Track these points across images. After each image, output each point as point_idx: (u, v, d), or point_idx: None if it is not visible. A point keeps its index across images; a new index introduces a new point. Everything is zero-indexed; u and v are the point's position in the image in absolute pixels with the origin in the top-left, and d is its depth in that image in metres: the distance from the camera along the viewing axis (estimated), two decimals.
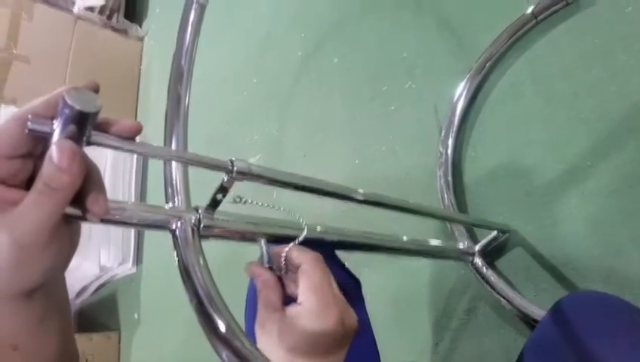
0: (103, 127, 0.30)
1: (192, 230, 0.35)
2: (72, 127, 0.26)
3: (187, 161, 0.31)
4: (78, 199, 0.31)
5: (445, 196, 0.74)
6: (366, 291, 0.76)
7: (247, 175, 0.34)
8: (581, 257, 0.62)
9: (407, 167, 0.89)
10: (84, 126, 0.26)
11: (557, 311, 0.45)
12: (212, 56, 1.72)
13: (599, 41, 0.64)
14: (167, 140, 0.46)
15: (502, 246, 0.70)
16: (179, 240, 0.34)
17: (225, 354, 0.29)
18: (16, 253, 0.27)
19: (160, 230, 0.35)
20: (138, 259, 1.79)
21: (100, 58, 2.07)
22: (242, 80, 1.49)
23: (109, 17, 2.15)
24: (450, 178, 0.77)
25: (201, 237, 0.36)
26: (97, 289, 1.92)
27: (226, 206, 0.39)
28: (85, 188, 0.30)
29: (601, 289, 0.58)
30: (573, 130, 0.65)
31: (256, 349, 0.29)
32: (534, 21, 0.71)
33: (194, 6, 0.51)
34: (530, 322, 0.63)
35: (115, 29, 2.16)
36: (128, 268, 1.75)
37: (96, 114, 0.26)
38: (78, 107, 0.25)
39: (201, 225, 0.37)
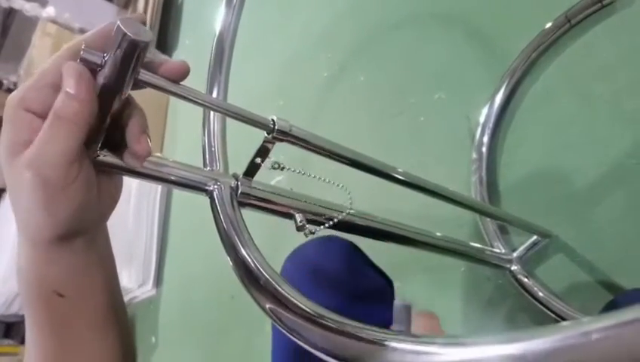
0: (151, 68, 0.30)
1: (231, 195, 0.34)
2: (123, 58, 0.26)
3: (229, 113, 0.31)
4: (120, 146, 0.30)
5: (484, 201, 0.71)
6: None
7: (288, 135, 0.33)
8: (630, 262, 0.58)
9: (439, 178, 0.86)
10: (134, 58, 0.26)
11: (612, 307, 0.42)
12: (239, 78, 1.76)
13: (639, 40, 0.63)
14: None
15: (542, 253, 0.66)
16: (217, 203, 0.32)
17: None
18: (39, 189, 0.26)
19: (198, 192, 0.34)
20: (158, 281, 1.77)
21: None
22: (268, 101, 1.52)
23: None
24: (485, 185, 0.75)
25: (239, 204, 0.34)
26: None
27: (263, 175, 0.38)
28: (129, 131, 0.30)
29: None
30: (616, 130, 0.63)
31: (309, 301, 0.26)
32: (568, 24, 0.70)
33: None
34: None
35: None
36: (148, 289, 1.74)
37: (147, 45, 0.26)
38: (131, 35, 0.25)
39: (239, 191, 0.35)
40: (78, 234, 0.30)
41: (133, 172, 0.31)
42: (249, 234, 0.32)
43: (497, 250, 0.67)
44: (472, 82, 0.85)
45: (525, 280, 0.65)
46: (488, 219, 0.71)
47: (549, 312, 0.62)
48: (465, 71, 0.87)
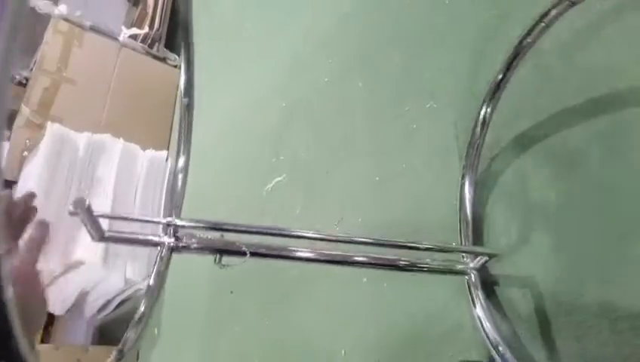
0: None
1: None
2: None
3: None
4: None
5: (467, 205, 0.75)
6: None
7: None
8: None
9: (428, 182, 0.90)
10: None
11: None
12: (244, 80, 1.81)
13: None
14: None
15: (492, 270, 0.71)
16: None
17: None
18: None
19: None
20: None
21: (139, 82, 2.21)
22: (271, 104, 1.56)
23: (151, 46, 2.30)
24: (472, 187, 0.78)
25: None
26: (119, 304, 1.96)
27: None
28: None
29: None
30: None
31: None
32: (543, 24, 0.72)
33: None
34: None
35: (155, 57, 2.31)
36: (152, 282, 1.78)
37: None
38: None
39: None
40: None
41: None
42: None
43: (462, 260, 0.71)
44: (461, 92, 0.88)
45: (474, 290, 0.69)
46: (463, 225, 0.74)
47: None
48: (456, 80, 0.90)
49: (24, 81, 2.43)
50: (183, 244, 0.58)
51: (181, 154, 0.79)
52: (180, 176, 0.78)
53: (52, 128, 1.74)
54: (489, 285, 0.71)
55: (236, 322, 1.34)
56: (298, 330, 1.11)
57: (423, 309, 0.83)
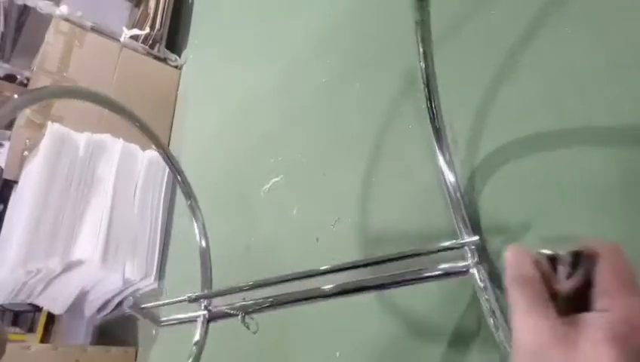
0: None
1: None
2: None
3: None
4: None
5: (461, 203, 0.74)
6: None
7: None
8: None
9: (423, 182, 0.90)
10: None
11: None
12: (243, 80, 1.81)
13: None
14: None
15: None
16: None
17: None
18: None
19: None
20: (160, 275, 1.83)
21: (140, 83, 2.21)
22: (270, 104, 1.56)
23: (152, 46, 2.31)
24: (465, 184, 0.78)
25: None
26: (119, 304, 1.96)
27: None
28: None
29: None
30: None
31: None
32: None
33: None
34: None
35: (156, 57, 2.31)
36: (150, 282, 1.79)
37: None
38: None
39: None
40: None
41: None
42: None
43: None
44: (459, 91, 0.88)
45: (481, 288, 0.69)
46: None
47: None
48: (453, 79, 0.90)
49: (25, 81, 2.44)
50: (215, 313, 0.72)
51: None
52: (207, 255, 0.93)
53: (52, 128, 1.74)
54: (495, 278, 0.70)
55: (229, 327, 1.34)
56: (296, 328, 1.11)
57: (421, 310, 0.83)
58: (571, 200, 0.66)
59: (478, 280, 0.67)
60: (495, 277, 0.69)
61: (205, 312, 0.80)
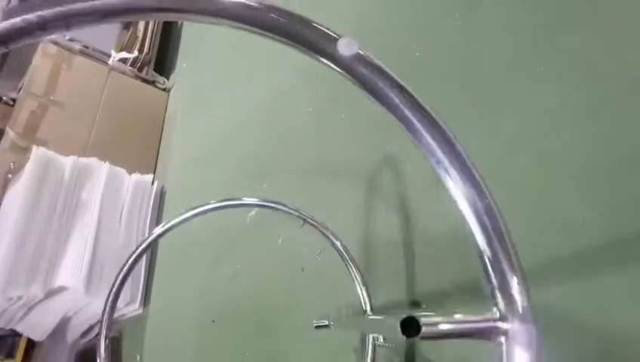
0: None
1: None
2: None
3: None
4: None
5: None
6: None
7: None
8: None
9: (413, 209, 0.91)
10: None
11: None
12: (231, 108, 1.83)
13: None
14: None
15: None
16: None
17: None
18: None
19: None
20: (146, 300, 1.81)
21: (128, 106, 2.22)
22: (257, 131, 1.58)
23: (140, 69, 2.32)
24: None
25: None
26: None
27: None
28: None
29: None
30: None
31: None
32: None
33: None
34: None
35: (144, 80, 2.33)
36: (135, 308, 1.77)
37: None
38: None
39: None
40: None
41: None
42: None
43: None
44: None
45: None
46: None
47: None
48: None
49: (11, 103, 2.43)
50: None
51: None
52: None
53: (37, 152, 1.73)
54: None
55: (217, 352, 1.33)
56: None
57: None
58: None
59: None
60: None
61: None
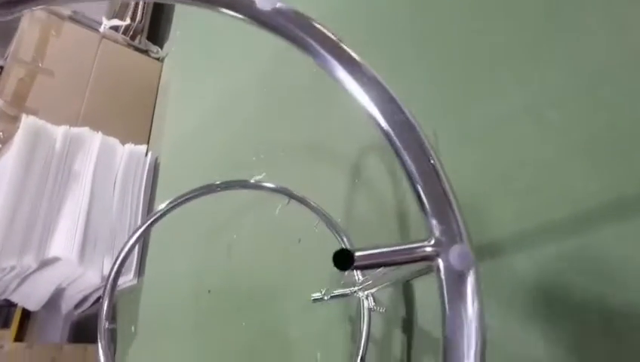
0: None
1: None
2: None
3: None
4: None
5: None
6: None
7: None
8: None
9: (405, 182, 0.90)
10: None
11: None
12: (226, 75, 1.78)
13: None
14: None
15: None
16: None
17: None
18: None
19: None
20: (140, 271, 1.80)
21: (120, 75, 2.16)
22: (252, 100, 1.54)
23: (133, 38, 2.25)
24: None
25: None
26: (97, 299, 1.93)
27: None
28: None
29: None
30: None
31: None
32: None
33: None
34: None
35: (137, 49, 2.26)
36: (129, 279, 1.76)
37: None
38: None
39: None
40: None
41: None
42: None
43: None
44: (441, 104, 0.88)
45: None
46: None
47: None
48: (433, 95, 0.90)
49: None
50: None
51: None
52: None
53: (27, 121, 1.69)
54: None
55: (213, 322, 1.33)
56: (275, 332, 1.11)
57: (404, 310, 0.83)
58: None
59: None
60: None
61: None
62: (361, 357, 0.73)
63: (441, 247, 0.26)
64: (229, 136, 1.62)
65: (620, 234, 0.57)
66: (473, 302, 0.25)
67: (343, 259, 0.27)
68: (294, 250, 1.13)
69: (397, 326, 0.81)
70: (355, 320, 0.91)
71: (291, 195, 1.01)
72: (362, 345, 0.74)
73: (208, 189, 0.98)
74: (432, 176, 0.28)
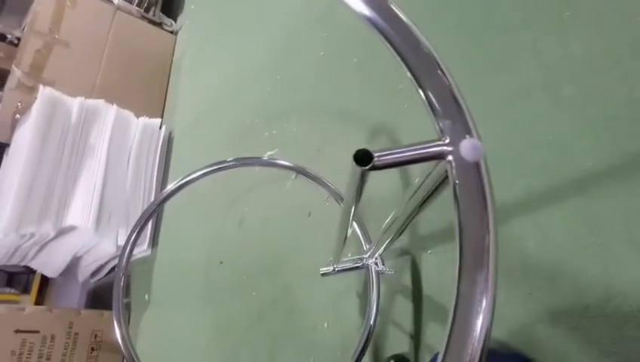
0: None
1: None
2: None
3: None
4: None
5: None
6: None
7: None
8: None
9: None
10: None
11: None
12: (239, 50, 1.78)
13: None
14: None
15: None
16: None
17: None
18: None
19: None
20: (154, 242, 1.85)
21: (134, 48, 2.16)
22: (266, 76, 1.54)
23: (147, 10, 2.25)
24: None
25: None
26: (112, 269, 1.99)
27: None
28: None
29: None
30: None
31: None
32: None
33: None
34: None
35: (151, 22, 2.26)
36: (144, 249, 1.81)
37: None
38: None
39: None
40: None
41: None
42: None
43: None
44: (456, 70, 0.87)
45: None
46: None
47: None
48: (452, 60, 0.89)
49: (15, 41, 2.38)
50: None
51: None
52: None
53: (44, 92, 1.72)
54: None
55: (224, 292, 1.37)
56: (284, 302, 1.14)
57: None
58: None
59: None
60: None
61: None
62: (372, 324, 0.75)
63: (452, 142, 0.27)
64: (242, 110, 1.62)
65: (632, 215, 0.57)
66: (486, 192, 0.26)
67: (364, 158, 0.28)
68: (304, 223, 1.15)
69: (405, 297, 0.83)
70: (363, 287, 0.93)
71: (303, 172, 1.02)
72: (374, 311, 0.76)
73: (224, 166, 1.00)
74: (438, 78, 0.30)
